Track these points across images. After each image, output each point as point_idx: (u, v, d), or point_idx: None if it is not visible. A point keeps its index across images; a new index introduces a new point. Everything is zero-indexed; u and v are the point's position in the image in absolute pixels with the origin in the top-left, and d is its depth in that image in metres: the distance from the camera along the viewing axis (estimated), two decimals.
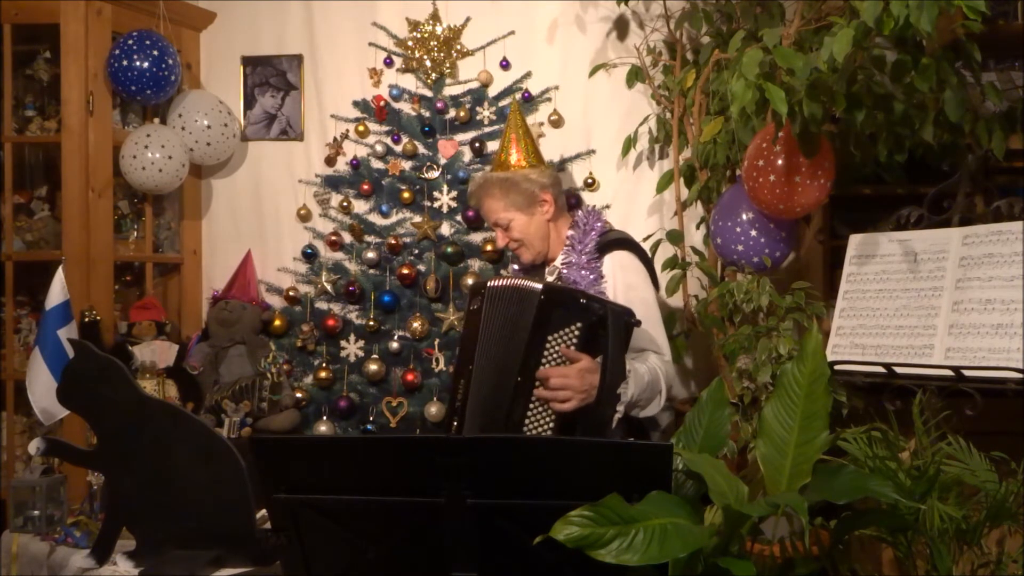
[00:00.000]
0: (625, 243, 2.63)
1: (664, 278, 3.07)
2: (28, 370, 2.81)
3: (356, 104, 3.44)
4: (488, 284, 2.42)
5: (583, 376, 2.26)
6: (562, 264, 2.59)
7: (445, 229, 3.38)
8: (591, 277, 2.52)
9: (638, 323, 2.34)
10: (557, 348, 2.29)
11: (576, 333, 2.27)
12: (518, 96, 3.34)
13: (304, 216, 3.46)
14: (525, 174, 2.65)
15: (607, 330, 2.26)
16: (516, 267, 2.84)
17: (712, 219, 2.80)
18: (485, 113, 3.36)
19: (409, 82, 3.42)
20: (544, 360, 2.29)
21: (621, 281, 2.53)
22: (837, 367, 2.25)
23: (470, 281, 3.28)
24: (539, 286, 2.31)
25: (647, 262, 2.65)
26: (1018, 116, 2.58)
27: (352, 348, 3.38)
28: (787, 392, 1.61)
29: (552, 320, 2.28)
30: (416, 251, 3.38)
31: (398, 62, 3.41)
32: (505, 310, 2.36)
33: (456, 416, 2.38)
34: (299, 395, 3.31)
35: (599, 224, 2.64)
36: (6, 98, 3.22)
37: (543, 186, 2.64)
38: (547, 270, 2.69)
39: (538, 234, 2.64)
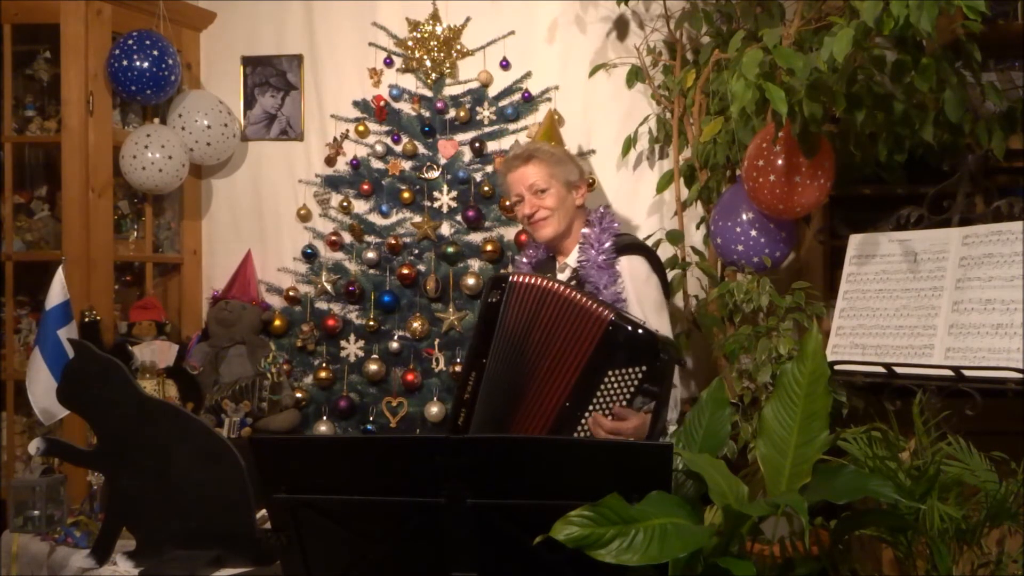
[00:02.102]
0: (639, 248, 2.60)
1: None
2: (28, 370, 2.81)
3: (356, 104, 3.43)
4: (512, 279, 2.35)
5: (637, 434, 2.19)
6: (577, 263, 2.55)
7: (445, 229, 3.38)
8: (607, 278, 2.48)
9: (683, 363, 2.31)
10: (616, 386, 2.20)
11: (639, 375, 2.18)
12: (517, 97, 3.34)
13: (304, 216, 3.46)
14: (571, 155, 2.70)
15: (666, 376, 2.20)
16: (524, 260, 2.79)
17: (712, 219, 2.80)
18: (485, 113, 3.36)
19: (409, 82, 3.42)
20: (599, 394, 2.20)
21: (633, 289, 2.49)
22: (837, 367, 2.25)
23: (470, 281, 3.28)
24: (608, 314, 2.20)
25: (660, 269, 2.62)
26: (1018, 116, 2.58)
27: (352, 348, 3.38)
28: (787, 392, 1.62)
29: (616, 355, 2.18)
30: (416, 251, 3.38)
31: (398, 62, 3.41)
32: (541, 316, 2.28)
33: (464, 408, 2.33)
34: (299, 395, 3.31)
35: (614, 225, 2.61)
36: (6, 98, 3.22)
37: (582, 175, 2.67)
38: (558, 266, 2.65)
39: (568, 213, 2.61)
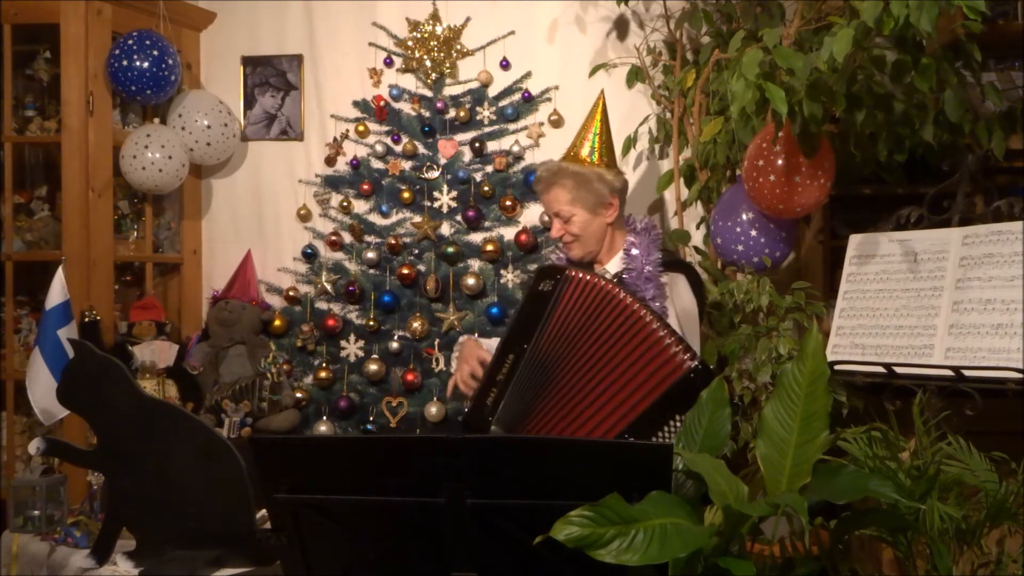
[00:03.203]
0: (684, 266, 2.58)
1: None
2: (28, 370, 2.81)
3: (356, 104, 3.44)
4: (569, 273, 2.29)
5: None
6: (623, 270, 2.50)
7: (445, 229, 3.38)
8: (653, 290, 2.43)
9: None
10: (674, 431, 2.12)
11: None
12: (517, 97, 3.34)
13: (304, 216, 3.46)
14: (600, 174, 2.56)
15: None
16: (562, 255, 2.71)
17: (712, 219, 2.80)
18: (485, 113, 3.36)
19: (409, 82, 3.42)
20: (661, 434, 2.13)
21: (672, 307, 2.46)
22: (837, 367, 2.25)
23: (470, 281, 3.28)
24: (688, 359, 2.13)
25: (701, 289, 2.59)
26: (1018, 116, 2.58)
27: (352, 348, 3.38)
28: (787, 392, 1.61)
29: (688, 400, 2.04)
30: (416, 251, 3.38)
31: (398, 62, 3.41)
32: (599, 320, 2.22)
33: (496, 387, 2.29)
34: (299, 395, 3.31)
35: (659, 238, 2.57)
36: (6, 98, 3.22)
37: (613, 190, 2.55)
38: (597, 271, 2.58)
39: (596, 235, 2.55)
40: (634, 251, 2.51)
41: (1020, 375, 1.97)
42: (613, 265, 2.55)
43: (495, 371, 2.32)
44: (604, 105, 2.64)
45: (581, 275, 2.30)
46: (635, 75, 3.21)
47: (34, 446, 2.32)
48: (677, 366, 2.14)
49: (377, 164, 3.42)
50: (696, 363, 2.14)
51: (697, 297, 2.54)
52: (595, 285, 2.27)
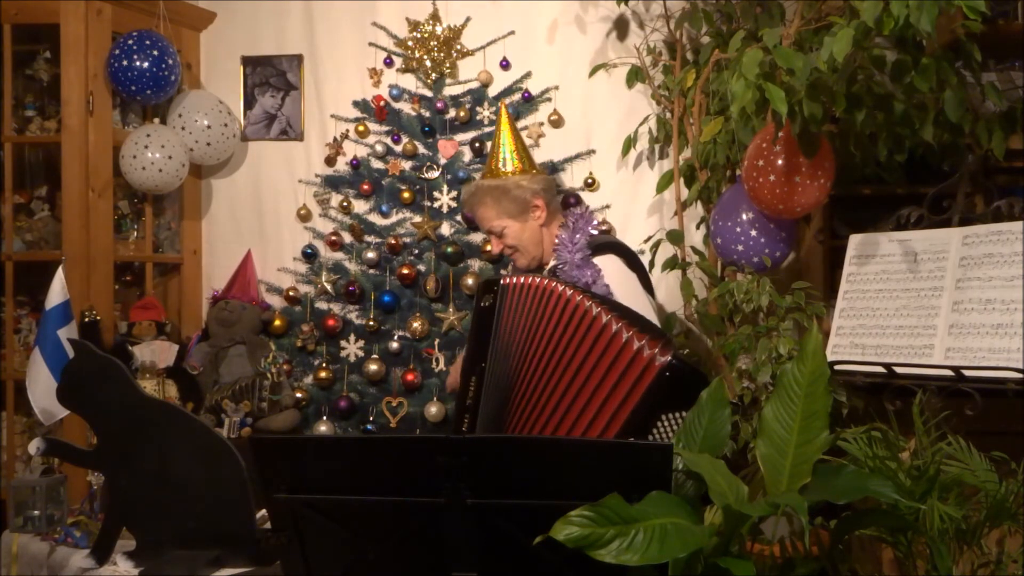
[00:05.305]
0: (613, 247, 2.57)
1: (669, 279, 3.07)
2: (28, 370, 2.82)
3: (356, 104, 3.44)
4: (503, 282, 2.30)
5: None
6: (555, 266, 2.52)
7: (445, 229, 3.38)
8: (589, 275, 2.44)
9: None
10: (669, 429, 2.07)
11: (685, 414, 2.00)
12: (517, 97, 3.34)
13: (304, 216, 3.46)
14: (516, 181, 2.61)
15: None
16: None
17: (712, 219, 2.80)
18: (485, 113, 3.36)
19: (409, 82, 3.42)
20: (651, 438, 2.07)
21: (613, 291, 2.45)
22: (837, 367, 2.25)
23: (470, 281, 3.28)
24: (658, 355, 2.04)
25: (638, 268, 2.58)
26: (1018, 116, 2.58)
27: (352, 348, 3.38)
28: (787, 392, 1.61)
29: (670, 397, 2.02)
30: (416, 251, 3.38)
31: (398, 62, 3.41)
32: (546, 320, 2.19)
33: (467, 413, 2.27)
34: (299, 395, 3.31)
35: (589, 226, 2.59)
36: (6, 98, 3.22)
37: (535, 192, 2.61)
38: (545, 273, 2.62)
39: (532, 240, 2.61)
40: (562, 245, 2.54)
41: (1020, 375, 1.97)
42: (552, 264, 2.58)
43: (463, 398, 2.31)
44: (508, 115, 2.78)
45: (515, 279, 2.31)
46: (635, 75, 3.20)
47: (34, 446, 2.32)
48: (647, 365, 2.06)
49: (377, 164, 3.42)
50: (668, 358, 2.05)
51: (636, 271, 2.53)
52: (529, 285, 2.27)
